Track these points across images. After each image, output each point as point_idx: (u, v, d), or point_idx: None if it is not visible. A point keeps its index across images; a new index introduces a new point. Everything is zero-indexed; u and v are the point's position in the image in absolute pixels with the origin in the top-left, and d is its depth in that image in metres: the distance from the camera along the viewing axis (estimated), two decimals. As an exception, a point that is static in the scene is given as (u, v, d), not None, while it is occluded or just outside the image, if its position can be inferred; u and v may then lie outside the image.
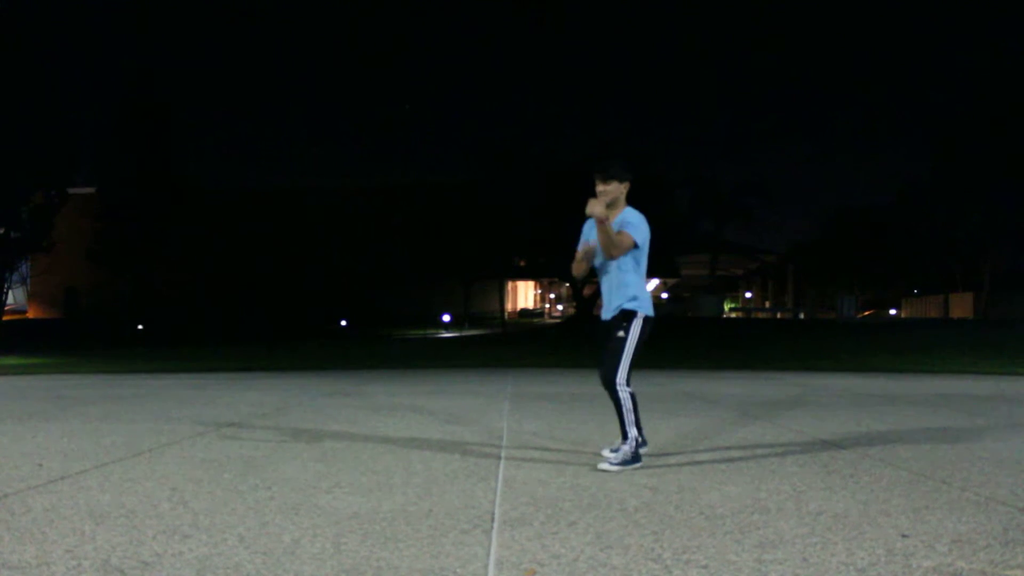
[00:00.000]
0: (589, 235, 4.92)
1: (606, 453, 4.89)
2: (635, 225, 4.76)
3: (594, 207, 4.62)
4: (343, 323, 46.07)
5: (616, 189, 4.78)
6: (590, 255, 4.93)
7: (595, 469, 4.68)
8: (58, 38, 38.90)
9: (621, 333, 4.73)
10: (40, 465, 4.97)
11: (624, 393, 4.71)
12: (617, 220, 4.78)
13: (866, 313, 71.95)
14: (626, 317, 4.75)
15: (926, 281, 65.06)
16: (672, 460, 5.08)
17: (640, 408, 4.82)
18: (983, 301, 51.01)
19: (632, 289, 4.79)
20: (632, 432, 4.71)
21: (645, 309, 4.80)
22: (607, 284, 4.87)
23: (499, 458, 5.18)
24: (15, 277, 41.03)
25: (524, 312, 69.26)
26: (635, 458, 4.73)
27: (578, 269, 5.04)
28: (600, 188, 4.78)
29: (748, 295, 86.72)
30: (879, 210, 62.32)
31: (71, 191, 40.66)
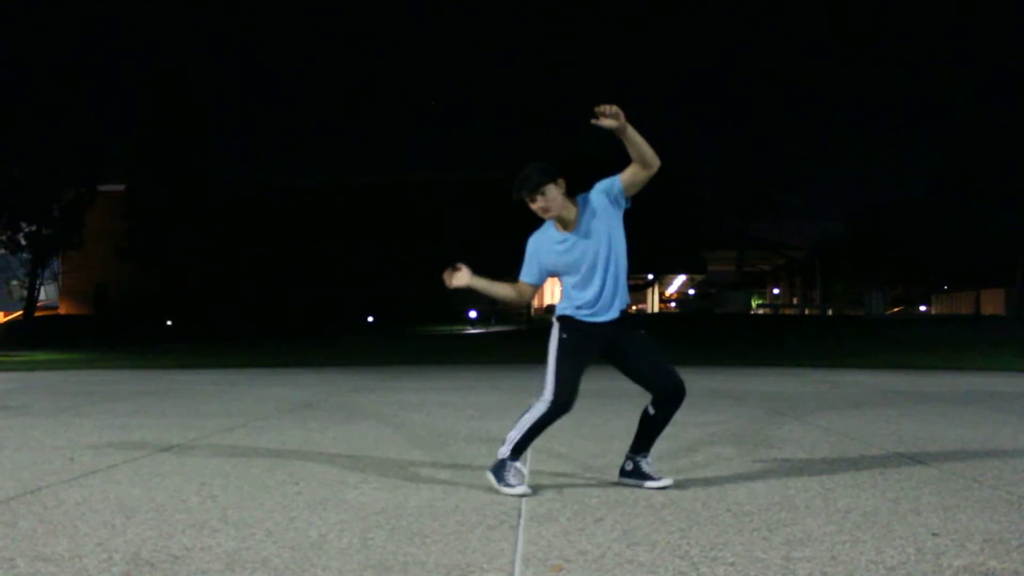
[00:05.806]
0: (544, 261, 4.09)
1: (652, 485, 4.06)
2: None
3: (459, 278, 4.08)
4: (370, 319, 46.20)
5: (556, 193, 3.97)
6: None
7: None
8: (89, 35, 39.28)
9: (643, 331, 4.11)
10: (72, 459, 5.04)
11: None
12: (587, 209, 4.01)
13: (895, 310, 71.13)
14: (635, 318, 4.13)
15: (956, 277, 64.19)
16: (699, 457, 5.06)
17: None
18: (1015, 297, 50.27)
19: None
20: None
21: None
22: (607, 283, 4.02)
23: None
24: (47, 273, 41.58)
25: (551, 308, 69.17)
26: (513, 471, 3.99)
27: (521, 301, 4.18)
28: (539, 205, 3.98)
29: (776, 291, 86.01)
30: (908, 205, 61.59)
31: (101, 188, 41.11)
